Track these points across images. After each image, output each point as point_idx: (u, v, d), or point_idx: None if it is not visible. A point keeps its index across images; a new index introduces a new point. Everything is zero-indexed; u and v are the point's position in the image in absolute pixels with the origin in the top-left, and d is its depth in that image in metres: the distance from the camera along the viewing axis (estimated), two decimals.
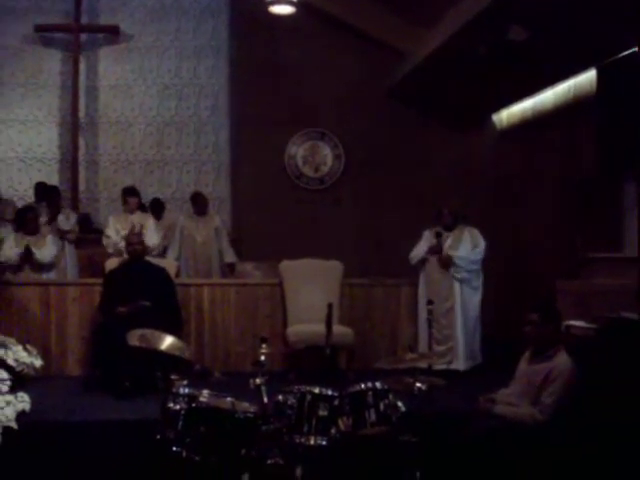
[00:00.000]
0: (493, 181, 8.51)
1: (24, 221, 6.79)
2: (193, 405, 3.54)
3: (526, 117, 8.01)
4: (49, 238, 6.87)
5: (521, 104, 8.07)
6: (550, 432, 3.60)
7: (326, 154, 9.08)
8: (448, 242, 6.28)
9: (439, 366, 6.02)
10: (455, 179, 8.57)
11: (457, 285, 6.25)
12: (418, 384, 3.51)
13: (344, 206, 8.94)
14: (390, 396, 3.49)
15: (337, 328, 5.48)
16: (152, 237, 6.94)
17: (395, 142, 8.86)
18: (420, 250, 6.37)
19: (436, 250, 6.26)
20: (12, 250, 6.57)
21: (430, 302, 4.47)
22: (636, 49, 5.44)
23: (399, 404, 3.48)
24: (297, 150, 9.06)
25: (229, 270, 7.82)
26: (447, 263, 6.22)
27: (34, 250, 6.59)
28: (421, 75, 7.90)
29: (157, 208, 8.35)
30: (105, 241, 7.10)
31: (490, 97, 8.05)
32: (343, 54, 8.77)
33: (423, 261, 6.36)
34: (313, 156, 9.08)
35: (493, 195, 8.46)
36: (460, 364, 6.17)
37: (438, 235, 6.28)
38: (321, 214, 8.89)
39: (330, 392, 3.51)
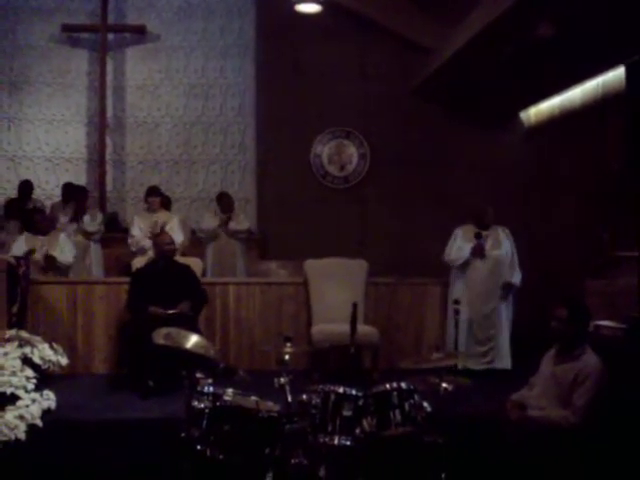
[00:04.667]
0: (520, 179, 8.41)
1: (32, 222, 6.76)
2: (217, 404, 3.55)
3: (554, 115, 7.92)
4: (62, 238, 6.79)
5: (549, 101, 7.98)
6: (583, 434, 3.54)
7: (351, 153, 9.03)
8: (489, 242, 6.21)
9: (480, 366, 6.03)
10: (482, 177, 8.48)
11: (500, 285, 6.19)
12: (444, 384, 3.47)
13: (369, 205, 8.90)
14: (415, 396, 3.46)
15: (362, 327, 5.45)
16: (177, 236, 6.98)
17: (421, 141, 8.80)
18: (462, 251, 6.23)
19: (479, 251, 6.17)
20: (20, 250, 6.51)
21: (457, 302, 4.43)
22: None
23: (425, 404, 3.45)
24: (323, 149, 9.03)
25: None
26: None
27: (55, 254, 6.54)
28: (448, 73, 7.82)
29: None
30: (129, 240, 7.21)
31: (518, 95, 7.96)
32: (369, 52, 8.74)
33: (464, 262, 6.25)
34: (339, 155, 9.05)
35: (520, 193, 8.37)
36: (507, 363, 6.15)
37: (478, 236, 6.19)
38: (346, 213, 8.86)
39: (354, 392, 3.49)
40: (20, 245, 6.60)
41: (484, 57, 6.84)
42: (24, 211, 7.66)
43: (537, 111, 8.40)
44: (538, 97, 8.06)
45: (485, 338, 6.16)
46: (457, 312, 4.32)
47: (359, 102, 8.79)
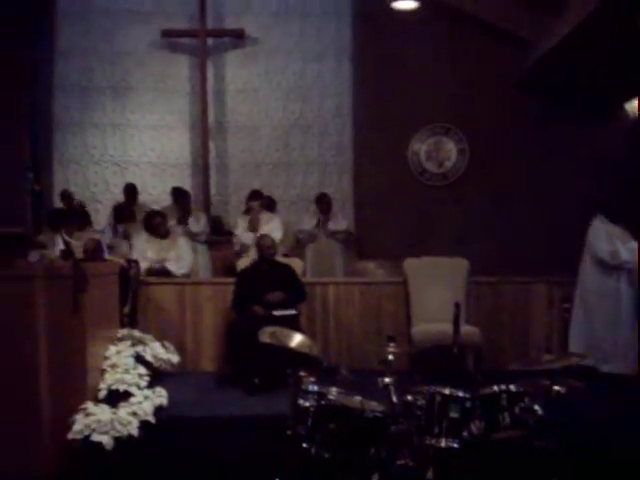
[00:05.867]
0: (626, 172, 8.03)
1: (152, 226, 6.92)
2: (322, 402, 3.59)
3: None
4: (181, 242, 6.97)
5: None
6: None
7: (450, 149, 8.92)
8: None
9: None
10: (585, 171, 8.16)
11: None
12: (556, 387, 3.36)
13: (469, 201, 8.74)
14: (525, 399, 3.37)
15: (464, 328, 5.36)
16: (276, 233, 7.05)
17: (522, 135, 8.57)
18: (629, 250, 5.83)
19: None
20: (142, 253, 6.74)
21: (566, 300, 4.28)
22: None
23: (536, 407, 3.35)
24: (421, 146, 8.95)
25: None
26: None
27: (169, 266, 6.71)
28: (548, 65, 7.62)
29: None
30: (234, 239, 7.46)
31: (622, 86, 7.63)
32: (467, 47, 8.60)
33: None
34: (437, 151, 8.94)
35: (625, 187, 7.99)
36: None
37: None
38: (445, 210, 8.74)
39: (461, 394, 3.44)
40: (141, 247, 6.84)
41: (585, 48, 6.63)
42: (133, 214, 7.95)
43: None
44: None
45: None
46: (567, 311, 4.17)
47: (458, 97, 8.64)
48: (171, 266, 6.72)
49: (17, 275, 4.17)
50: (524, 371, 3.59)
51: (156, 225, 6.90)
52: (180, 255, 6.84)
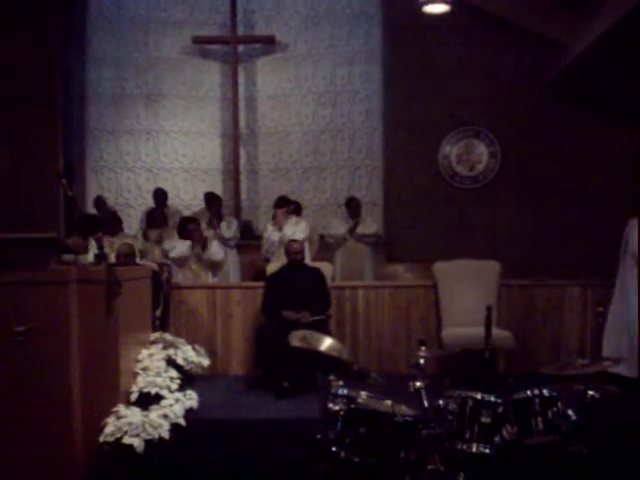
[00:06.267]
0: None
1: (186, 232, 7.01)
2: (352, 406, 3.57)
3: None
4: (215, 243, 7.13)
5: None
6: None
7: (481, 152, 8.83)
8: None
9: None
10: (619, 175, 8.04)
11: None
12: (590, 392, 3.30)
13: (500, 204, 8.65)
14: (559, 404, 3.31)
15: (495, 331, 5.30)
16: (300, 234, 7.17)
17: (554, 138, 8.48)
18: None
19: None
20: (182, 248, 6.90)
21: (600, 303, 4.21)
22: None
23: (569, 412, 3.30)
24: (451, 149, 8.88)
25: None
26: None
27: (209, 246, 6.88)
28: (582, 67, 7.55)
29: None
30: (262, 242, 7.55)
31: None
32: (498, 49, 8.52)
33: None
34: (468, 154, 8.87)
35: None
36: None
37: None
38: (476, 213, 8.67)
39: (493, 398, 3.40)
40: (180, 248, 6.93)
41: (620, 50, 6.54)
42: (165, 219, 8.02)
43: None
44: None
45: None
46: (600, 315, 4.10)
47: (488, 100, 8.59)
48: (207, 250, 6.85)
49: (51, 279, 4.22)
50: (557, 375, 3.54)
51: (190, 231, 6.99)
52: (212, 250, 6.98)
